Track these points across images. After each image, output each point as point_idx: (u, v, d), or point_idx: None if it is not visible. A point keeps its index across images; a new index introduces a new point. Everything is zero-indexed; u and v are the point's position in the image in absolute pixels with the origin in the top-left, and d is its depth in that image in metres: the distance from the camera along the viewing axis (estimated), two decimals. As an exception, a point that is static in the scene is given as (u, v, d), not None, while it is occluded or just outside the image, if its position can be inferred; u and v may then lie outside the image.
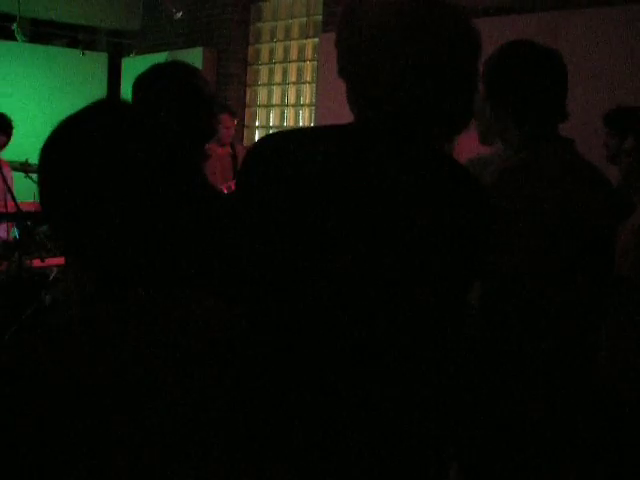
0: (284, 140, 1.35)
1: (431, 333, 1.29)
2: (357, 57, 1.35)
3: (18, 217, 4.28)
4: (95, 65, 8.51)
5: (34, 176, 5.65)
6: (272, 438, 1.22)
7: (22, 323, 3.98)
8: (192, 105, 2.06)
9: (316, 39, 6.84)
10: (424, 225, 1.26)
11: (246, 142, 7.44)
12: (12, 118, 5.14)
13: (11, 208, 4.23)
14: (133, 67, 8.35)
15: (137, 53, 8.34)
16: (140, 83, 2.12)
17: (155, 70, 2.12)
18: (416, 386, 1.29)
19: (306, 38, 7.09)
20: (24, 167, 5.60)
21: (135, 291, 1.07)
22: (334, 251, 1.25)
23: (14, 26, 7.25)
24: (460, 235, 1.28)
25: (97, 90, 8.56)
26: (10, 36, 7.49)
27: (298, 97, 7.22)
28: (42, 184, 1.12)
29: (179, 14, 7.32)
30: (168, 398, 1.04)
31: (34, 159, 4.92)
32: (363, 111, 1.37)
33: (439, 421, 1.34)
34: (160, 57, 7.84)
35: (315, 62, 6.86)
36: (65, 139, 1.11)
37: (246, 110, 7.61)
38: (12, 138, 4.97)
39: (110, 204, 1.05)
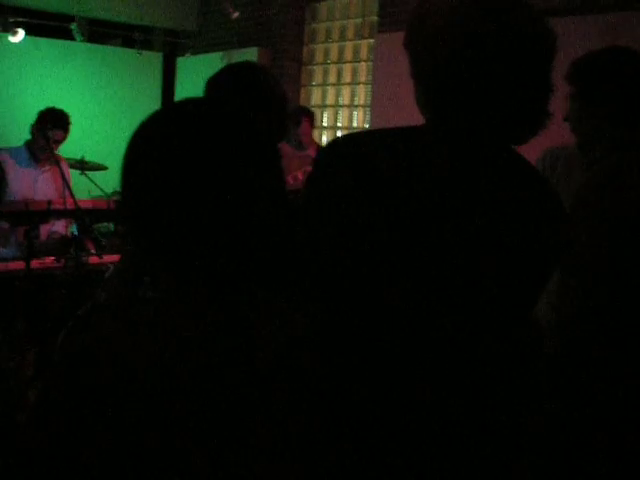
0: (361, 142, 1.33)
1: (506, 337, 1.26)
2: (430, 60, 1.33)
3: (77, 214, 4.30)
4: (150, 65, 8.59)
5: (90, 174, 5.73)
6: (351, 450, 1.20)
7: (77, 319, 4.00)
8: (263, 105, 2.07)
9: (372, 40, 6.80)
10: (502, 228, 1.24)
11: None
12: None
13: (70, 205, 4.25)
14: (188, 67, 8.41)
15: (192, 53, 8.39)
16: (213, 83, 2.16)
17: (228, 70, 2.16)
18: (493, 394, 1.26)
19: (361, 39, 7.06)
20: (80, 164, 5.69)
21: (216, 293, 1.06)
22: (414, 253, 1.23)
23: (72, 26, 7.36)
24: (534, 240, 1.27)
25: (152, 89, 8.64)
26: (68, 36, 7.60)
27: (352, 98, 7.19)
28: (127, 181, 1.12)
29: (236, 14, 7.34)
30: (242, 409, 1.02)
31: (90, 157, 5.03)
32: (437, 113, 1.34)
33: (516, 429, 1.30)
34: (215, 57, 7.89)
35: (370, 63, 6.83)
36: (153, 137, 1.12)
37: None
38: (69, 135, 5.02)
39: (198, 202, 1.04)
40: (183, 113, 1.12)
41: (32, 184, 4.92)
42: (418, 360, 1.23)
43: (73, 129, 5.11)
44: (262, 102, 2.10)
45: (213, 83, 2.19)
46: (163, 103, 8.68)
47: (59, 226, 4.88)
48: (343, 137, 1.42)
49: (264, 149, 1.12)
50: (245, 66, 2.22)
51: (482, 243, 1.22)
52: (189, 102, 1.16)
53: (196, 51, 8.43)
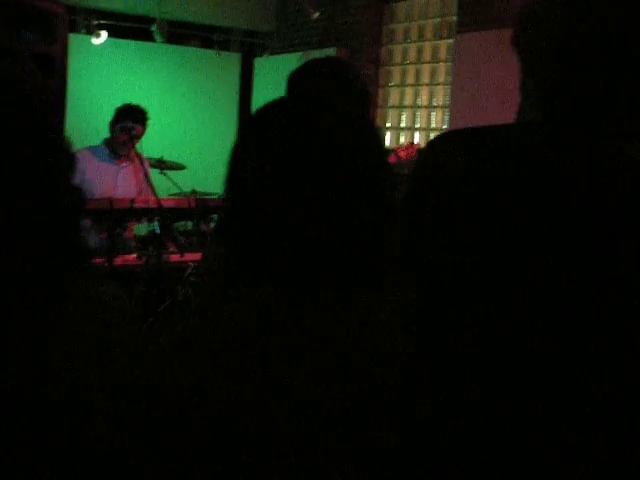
0: (468, 138, 1.30)
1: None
2: (545, 57, 1.30)
3: (159, 212, 4.36)
4: (228, 65, 8.69)
5: (168, 173, 5.81)
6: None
7: (158, 316, 4.07)
8: (345, 99, 2.06)
9: (451, 40, 6.74)
10: (619, 229, 1.19)
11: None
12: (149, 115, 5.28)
13: (152, 203, 4.32)
14: (265, 67, 8.47)
15: (270, 53, 8.45)
16: (294, 79, 2.16)
17: (310, 64, 2.16)
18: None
19: (440, 39, 7.00)
20: (159, 164, 5.77)
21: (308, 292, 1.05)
22: (530, 254, 1.19)
23: (153, 28, 7.50)
24: None
25: (230, 90, 8.74)
26: (148, 37, 7.75)
27: (431, 98, 7.15)
28: (231, 184, 1.13)
29: (316, 14, 7.36)
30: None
31: (169, 156, 5.08)
32: (549, 108, 1.31)
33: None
34: (293, 57, 7.93)
35: (449, 63, 6.77)
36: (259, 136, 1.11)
37: (377, 111, 7.58)
38: (147, 134, 5.10)
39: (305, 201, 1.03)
40: (281, 112, 1.11)
41: (113, 180, 5.00)
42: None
43: (152, 129, 5.20)
44: (348, 92, 2.09)
45: (294, 79, 2.19)
46: (241, 103, 8.77)
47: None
48: (448, 134, 1.39)
49: (364, 140, 1.12)
50: (327, 59, 2.24)
51: (596, 239, 1.18)
52: (284, 101, 1.16)
53: (274, 52, 8.49)
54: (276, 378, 0.99)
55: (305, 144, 1.04)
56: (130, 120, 4.93)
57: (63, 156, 1.20)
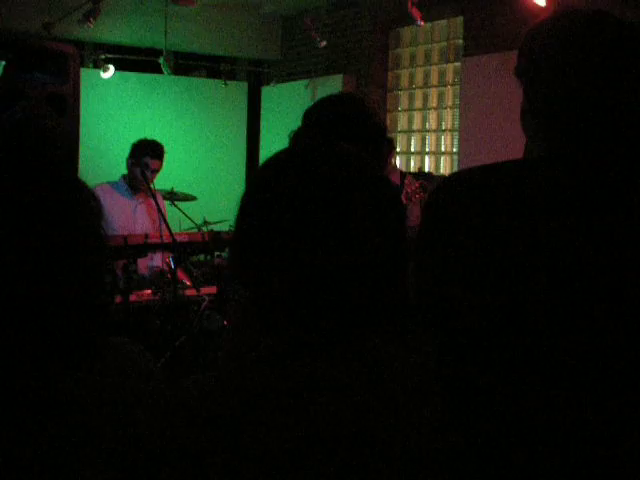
0: (476, 178, 1.33)
1: None
2: (548, 92, 1.33)
3: (174, 247, 4.41)
4: (235, 94, 8.73)
5: (179, 204, 5.83)
6: None
7: (175, 351, 4.09)
8: (367, 138, 2.06)
9: (457, 63, 6.79)
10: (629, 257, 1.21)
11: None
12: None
13: (166, 238, 4.36)
14: (272, 95, 8.53)
15: (277, 81, 8.51)
16: (310, 115, 2.16)
17: (326, 103, 2.16)
18: None
19: (447, 62, 7.05)
20: (170, 195, 5.78)
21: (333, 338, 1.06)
22: (549, 291, 1.21)
23: (160, 60, 7.57)
24: None
25: (238, 119, 8.78)
26: (155, 69, 7.82)
27: (440, 122, 7.18)
28: (243, 227, 1.14)
29: (323, 43, 7.42)
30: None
31: (180, 187, 5.08)
32: (555, 143, 1.33)
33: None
34: (299, 85, 8.00)
35: (457, 86, 6.80)
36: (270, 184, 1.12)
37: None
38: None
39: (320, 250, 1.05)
40: (296, 162, 1.13)
41: (131, 214, 5.03)
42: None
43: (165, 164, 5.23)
44: (365, 135, 2.10)
45: (312, 117, 2.19)
46: (249, 132, 8.82)
47: (157, 260, 4.99)
48: (455, 177, 1.41)
49: (382, 189, 1.13)
50: (344, 98, 2.21)
51: (618, 284, 1.20)
52: (299, 148, 1.18)
53: (280, 80, 8.56)
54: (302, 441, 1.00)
55: (319, 200, 1.06)
56: (148, 155, 4.95)
57: (88, 199, 1.18)
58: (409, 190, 3.53)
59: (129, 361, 1.19)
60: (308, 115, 2.17)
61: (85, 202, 1.15)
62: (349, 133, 2.05)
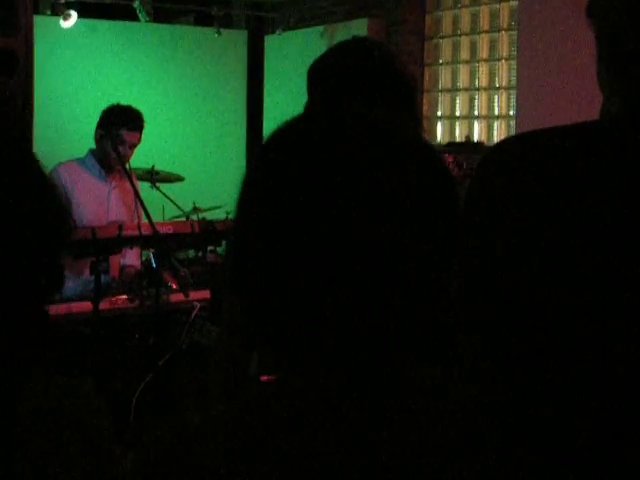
0: (537, 144, 1.34)
1: None
2: (628, 36, 1.33)
3: (155, 241, 4.42)
4: (232, 46, 8.71)
5: (163, 186, 5.81)
6: None
7: (158, 373, 4.08)
8: (394, 96, 2.07)
9: (514, 2, 6.75)
10: None
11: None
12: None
13: (145, 230, 4.36)
14: (279, 46, 8.49)
15: (284, 29, 8.46)
16: (319, 72, 2.16)
17: (335, 53, 2.15)
18: None
19: (500, 2, 7.02)
20: (150, 176, 5.73)
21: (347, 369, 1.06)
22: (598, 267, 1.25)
23: (135, 3, 7.52)
24: None
25: (235, 77, 8.75)
26: (130, 16, 7.78)
27: (491, 78, 7.16)
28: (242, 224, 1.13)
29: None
30: None
31: (163, 165, 5.08)
32: (634, 101, 1.33)
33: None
34: (313, 33, 7.96)
35: (513, 32, 6.77)
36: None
37: (424, 96, 7.61)
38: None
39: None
40: (306, 141, 1.12)
41: (105, 201, 5.05)
42: None
43: (144, 137, 5.20)
44: (398, 93, 2.12)
45: (319, 72, 2.19)
46: (250, 94, 8.81)
47: (132, 257, 4.99)
48: (507, 141, 1.43)
49: (435, 165, 1.13)
50: (358, 44, 2.23)
51: None
52: (309, 123, 1.16)
53: (288, 27, 8.50)
54: None
55: (343, 182, 1.05)
56: (123, 127, 4.93)
57: (35, 181, 1.20)
58: None
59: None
60: (318, 71, 2.17)
61: (37, 187, 1.16)
62: (377, 92, 2.07)
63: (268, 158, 1.13)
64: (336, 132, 1.09)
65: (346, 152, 1.06)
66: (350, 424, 1.03)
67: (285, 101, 7.90)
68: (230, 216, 4.13)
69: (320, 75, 2.16)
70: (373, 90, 2.07)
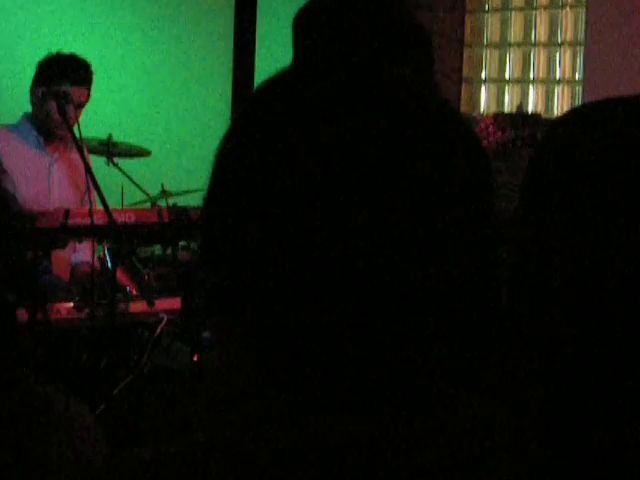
0: (620, 112, 1.35)
1: None
2: None
3: (111, 232, 4.38)
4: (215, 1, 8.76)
5: (122, 162, 5.83)
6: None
7: (112, 403, 4.09)
8: (408, 49, 2.11)
9: None
10: None
11: (464, 105, 7.49)
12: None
13: (99, 218, 4.34)
14: (273, 3, 8.50)
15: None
16: (304, 22, 2.25)
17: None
18: None
19: None
20: (106, 148, 5.77)
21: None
22: None
23: None
24: None
25: (220, 34, 8.75)
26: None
27: (552, 31, 7.18)
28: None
29: None
30: None
31: (122, 135, 5.11)
32: None
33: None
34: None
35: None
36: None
37: (465, 52, 7.65)
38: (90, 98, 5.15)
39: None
40: (299, 92, 1.12)
41: (45, 179, 5.07)
42: None
43: (94, 93, 5.22)
44: (413, 45, 2.17)
45: (305, 22, 2.27)
46: (237, 55, 8.82)
47: (85, 253, 4.97)
48: (576, 111, 1.45)
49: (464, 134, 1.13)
50: None
51: None
52: (301, 72, 1.17)
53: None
54: None
55: (348, 145, 1.04)
56: (66, 80, 4.94)
57: None
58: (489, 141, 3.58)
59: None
60: (302, 22, 2.20)
61: None
62: (385, 43, 2.10)
63: (255, 118, 1.12)
64: (344, 92, 1.09)
65: (357, 119, 1.06)
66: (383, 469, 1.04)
67: (282, 57, 7.91)
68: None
69: (314, 23, 2.21)
70: (379, 39, 2.11)
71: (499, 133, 3.43)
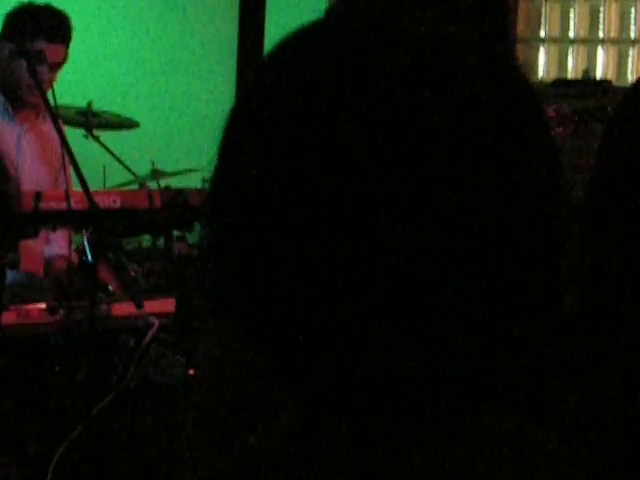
0: None
1: None
2: None
3: (91, 219, 4.41)
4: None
5: (103, 135, 5.85)
6: None
7: (89, 425, 4.10)
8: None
9: None
10: None
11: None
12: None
13: (77, 201, 4.36)
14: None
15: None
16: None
17: None
18: None
19: None
20: (85, 119, 5.79)
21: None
22: None
23: None
24: None
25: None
26: None
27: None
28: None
29: None
30: None
31: (105, 104, 5.17)
32: None
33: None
34: None
35: None
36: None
37: (519, 6, 7.63)
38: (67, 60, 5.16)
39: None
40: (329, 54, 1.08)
41: (14, 152, 5.11)
42: None
43: (73, 54, 5.23)
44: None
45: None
46: (244, 17, 8.85)
47: (61, 243, 5.00)
48: None
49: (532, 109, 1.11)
50: None
51: None
52: (331, 27, 1.14)
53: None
54: None
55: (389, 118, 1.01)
56: (42, 37, 4.98)
57: None
58: None
59: None
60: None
61: None
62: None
63: (271, 83, 1.11)
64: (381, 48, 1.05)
65: (394, 81, 1.02)
66: None
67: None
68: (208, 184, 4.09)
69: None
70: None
71: (559, 129, 3.42)
